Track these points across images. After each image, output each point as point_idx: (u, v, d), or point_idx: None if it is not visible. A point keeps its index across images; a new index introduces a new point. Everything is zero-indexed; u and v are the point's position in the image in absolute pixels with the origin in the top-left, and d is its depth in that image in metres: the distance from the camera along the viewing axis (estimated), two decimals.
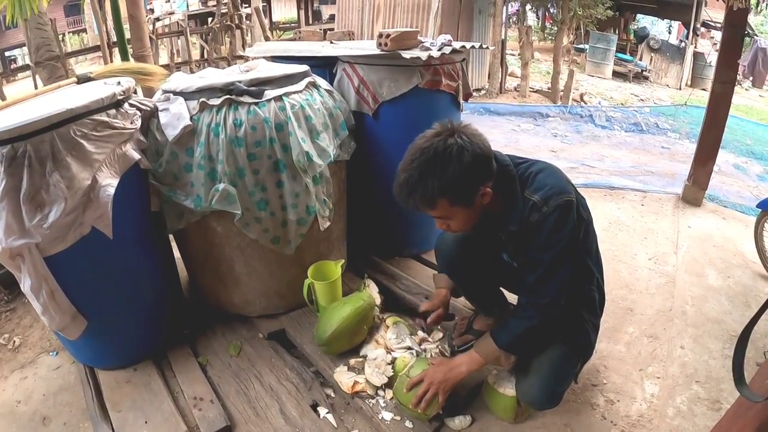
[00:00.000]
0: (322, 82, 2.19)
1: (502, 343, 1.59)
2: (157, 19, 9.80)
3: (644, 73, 13.05)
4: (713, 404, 1.90)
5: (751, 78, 13.07)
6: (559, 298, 1.49)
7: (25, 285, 1.60)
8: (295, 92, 1.95)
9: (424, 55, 2.14)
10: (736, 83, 4.28)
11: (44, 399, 1.94)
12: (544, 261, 1.46)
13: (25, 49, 5.26)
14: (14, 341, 2.27)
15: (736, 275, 2.84)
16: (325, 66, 2.46)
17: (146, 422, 1.75)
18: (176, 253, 2.27)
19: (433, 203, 1.39)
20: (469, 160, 1.34)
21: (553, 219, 1.41)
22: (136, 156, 1.74)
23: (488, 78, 9.56)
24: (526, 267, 1.54)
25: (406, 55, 2.16)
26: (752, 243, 2.95)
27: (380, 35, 2.23)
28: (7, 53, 19.87)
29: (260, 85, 1.89)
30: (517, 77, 10.15)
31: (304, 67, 2.10)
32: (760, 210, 2.87)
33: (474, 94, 9.18)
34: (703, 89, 10.81)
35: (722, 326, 2.36)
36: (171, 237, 2.15)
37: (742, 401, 1.22)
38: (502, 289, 2.00)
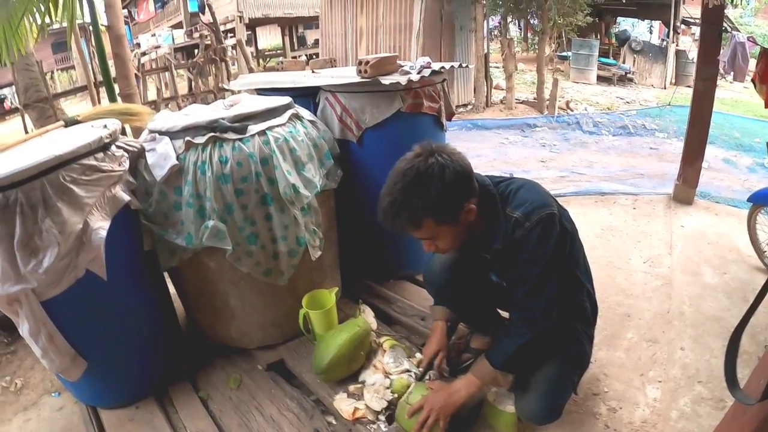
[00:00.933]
0: (305, 113, 2.21)
1: (496, 363, 1.59)
2: (144, 54, 9.90)
3: (628, 75, 13.16)
4: (717, 403, 1.89)
5: (732, 73, 13.16)
6: (550, 311, 1.49)
7: (24, 329, 1.61)
8: (278, 125, 1.97)
9: (403, 80, 2.17)
10: (719, 77, 4.33)
11: None
12: (531, 275, 1.47)
13: (14, 87, 5.27)
14: (16, 383, 2.26)
15: (732, 271, 2.85)
16: (308, 96, 2.48)
17: None
18: (172, 289, 2.27)
19: (419, 224, 1.40)
20: (452, 177, 1.36)
21: (536, 233, 1.42)
22: (126, 197, 1.75)
23: (474, 93, 9.63)
24: (514, 283, 1.55)
25: (386, 81, 2.19)
26: (746, 237, 2.96)
27: (359, 62, 2.27)
28: None
29: (244, 120, 1.91)
30: (502, 89, 10.22)
31: (287, 99, 2.13)
32: (751, 203, 2.88)
33: (460, 109, 9.26)
34: (688, 86, 10.89)
35: (722, 324, 2.36)
36: (166, 274, 2.16)
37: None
38: (497, 308, 2.01)
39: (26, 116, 5.46)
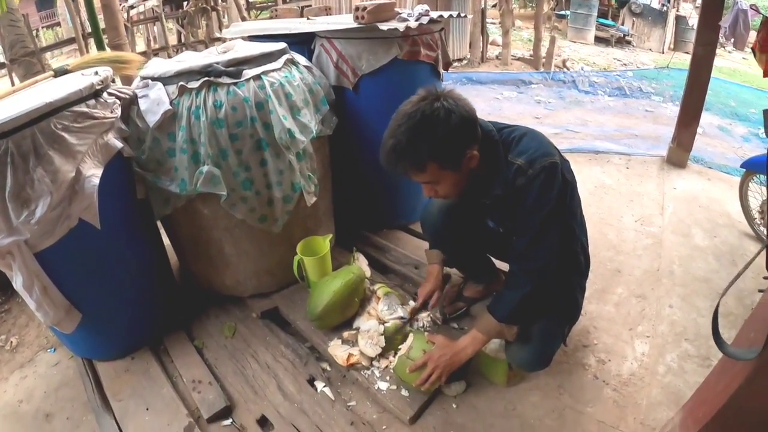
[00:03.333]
0: (301, 59, 2.16)
1: (500, 316, 1.60)
2: (131, 7, 9.54)
3: (626, 37, 12.95)
4: (703, 361, 1.93)
5: (732, 40, 13.03)
6: (551, 261, 1.49)
7: (17, 282, 1.59)
8: (273, 70, 1.92)
9: (401, 27, 2.12)
10: (718, 46, 4.27)
11: (45, 396, 1.94)
12: (533, 225, 1.46)
13: (0, 44, 5.11)
14: (11, 342, 2.26)
15: (722, 235, 2.88)
16: (303, 43, 2.42)
17: (147, 409, 1.77)
18: (166, 240, 2.26)
19: (422, 167, 1.38)
20: (457, 122, 1.34)
21: (539, 182, 1.41)
22: (119, 145, 1.72)
23: (469, 47, 9.45)
24: (515, 232, 1.54)
25: (384, 27, 2.13)
26: (737, 203, 2.97)
27: (356, 8, 2.21)
28: None
29: (238, 65, 1.86)
30: (498, 46, 10.04)
31: (282, 45, 2.08)
32: (744, 170, 2.88)
33: (455, 64, 9.09)
34: (686, 53, 10.75)
35: (710, 285, 2.40)
36: (160, 224, 2.14)
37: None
38: (490, 256, 2.01)
39: (13, 73, 5.29)
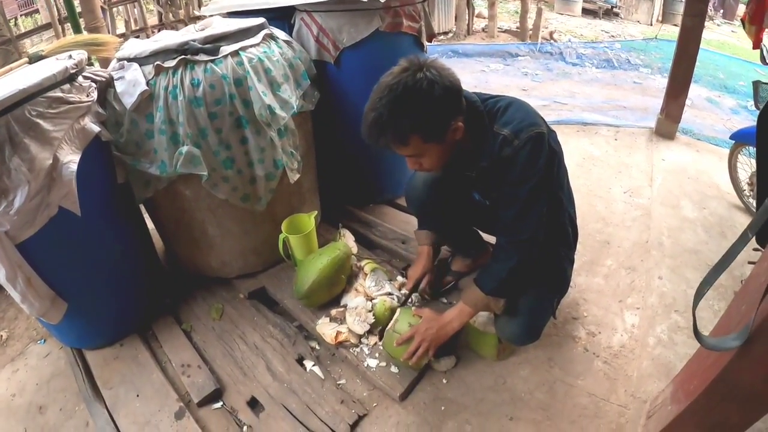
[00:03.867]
0: (281, 34, 2.11)
1: (488, 289, 1.58)
2: None
3: (614, 9, 12.82)
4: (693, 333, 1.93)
5: (721, 11, 12.98)
6: (538, 233, 1.48)
7: (0, 275, 1.56)
8: (251, 46, 1.88)
9: None
10: (707, 18, 4.22)
11: (38, 388, 1.92)
12: (520, 196, 1.43)
13: None
14: (1, 335, 2.23)
15: (711, 206, 2.87)
16: (283, 18, 2.36)
17: (138, 395, 1.77)
18: (150, 224, 2.22)
19: (405, 141, 1.35)
20: (441, 93, 1.30)
21: (525, 152, 1.38)
22: (96, 129, 1.68)
23: (455, 20, 9.34)
24: (502, 204, 1.52)
25: None
26: (726, 174, 2.96)
27: None
28: None
29: (215, 42, 1.81)
30: (484, 18, 9.92)
31: (261, 20, 2.04)
32: (733, 141, 2.87)
33: (441, 37, 9.00)
34: (675, 25, 10.65)
35: (699, 256, 2.39)
36: (142, 207, 2.10)
37: (718, 330, 1.23)
38: (477, 229, 1.99)
39: None
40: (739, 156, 2.85)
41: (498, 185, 1.49)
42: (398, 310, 1.79)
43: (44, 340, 2.14)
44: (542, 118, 1.47)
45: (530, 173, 1.40)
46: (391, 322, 1.74)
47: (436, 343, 1.63)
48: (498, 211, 1.55)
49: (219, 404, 1.70)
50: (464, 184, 1.69)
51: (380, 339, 1.81)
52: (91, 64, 1.89)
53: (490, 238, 2.06)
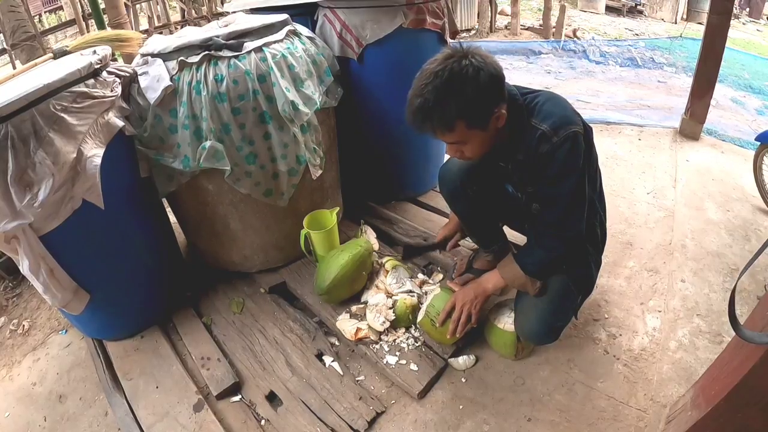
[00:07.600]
0: (304, 30, 2.12)
1: (531, 270, 1.60)
2: None
3: (638, 7, 12.64)
4: (715, 337, 1.90)
5: (747, 9, 12.74)
6: (581, 228, 1.49)
7: (24, 266, 1.59)
8: (275, 42, 1.89)
9: None
10: (733, 16, 4.13)
11: (58, 378, 1.96)
12: (562, 194, 1.44)
13: (1, 31, 5.08)
14: (23, 325, 2.27)
15: (735, 209, 2.82)
16: (306, 14, 2.37)
17: (157, 387, 1.79)
18: (172, 218, 2.25)
19: (451, 127, 1.35)
20: (486, 80, 1.30)
21: (564, 150, 1.38)
22: (120, 123, 1.70)
23: (477, 18, 9.27)
24: (543, 203, 1.52)
25: None
26: (751, 176, 2.91)
27: None
28: None
29: (239, 38, 1.83)
30: (507, 15, 9.83)
31: (284, 16, 2.04)
32: (759, 143, 2.81)
33: (464, 34, 8.93)
34: (699, 23, 10.50)
35: (722, 260, 2.35)
36: (165, 201, 2.13)
37: None
38: (505, 225, 2.01)
39: (15, 57, 5.27)
40: (764, 158, 2.79)
41: (534, 180, 1.50)
42: (433, 292, 1.83)
43: (66, 331, 2.18)
44: (579, 115, 1.47)
45: (569, 171, 1.40)
46: (428, 298, 1.79)
47: (477, 303, 1.67)
48: (531, 207, 1.57)
49: (237, 398, 1.72)
50: (498, 176, 1.69)
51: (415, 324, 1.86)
52: (115, 60, 1.91)
53: (513, 237, 2.06)
